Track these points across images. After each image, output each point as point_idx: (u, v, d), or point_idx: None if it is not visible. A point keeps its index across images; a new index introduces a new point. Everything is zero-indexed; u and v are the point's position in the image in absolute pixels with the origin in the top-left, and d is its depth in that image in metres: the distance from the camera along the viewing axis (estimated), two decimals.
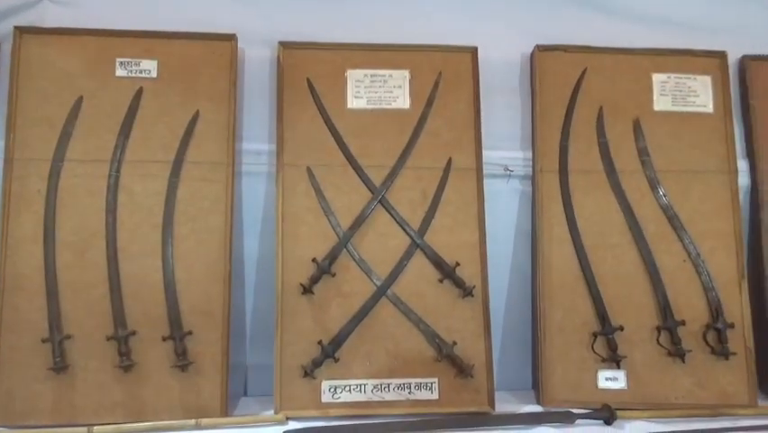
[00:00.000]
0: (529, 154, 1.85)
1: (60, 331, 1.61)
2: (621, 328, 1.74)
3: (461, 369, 1.67)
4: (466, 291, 1.71)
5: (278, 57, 1.80)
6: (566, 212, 1.80)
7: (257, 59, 1.84)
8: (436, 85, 1.83)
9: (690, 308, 1.76)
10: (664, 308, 1.75)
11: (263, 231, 1.81)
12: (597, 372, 1.73)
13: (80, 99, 1.72)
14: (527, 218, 1.86)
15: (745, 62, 1.93)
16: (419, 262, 1.73)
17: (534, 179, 1.83)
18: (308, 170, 1.75)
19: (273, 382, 1.64)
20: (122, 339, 1.61)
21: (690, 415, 1.66)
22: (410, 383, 1.67)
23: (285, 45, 1.81)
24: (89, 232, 1.66)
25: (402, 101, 1.82)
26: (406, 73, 1.83)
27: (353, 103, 1.81)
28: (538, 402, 1.73)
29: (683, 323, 1.74)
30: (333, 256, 1.70)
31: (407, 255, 1.73)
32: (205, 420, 1.57)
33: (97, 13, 1.80)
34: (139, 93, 1.74)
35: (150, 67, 1.75)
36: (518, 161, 1.85)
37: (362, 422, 1.58)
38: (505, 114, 1.89)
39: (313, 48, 1.82)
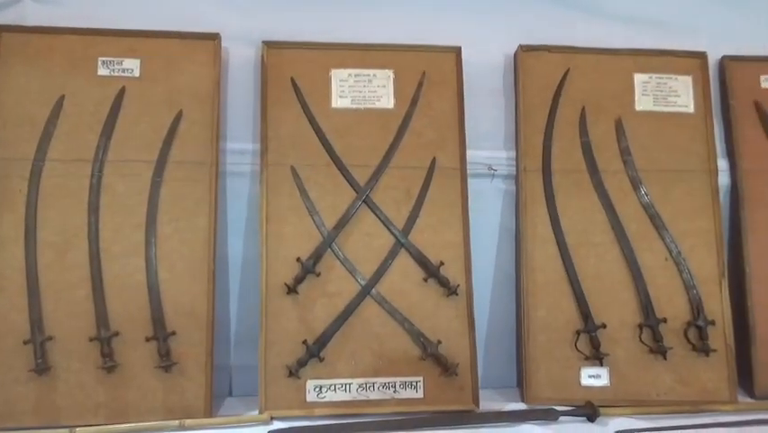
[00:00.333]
0: (513, 154, 1.86)
1: (42, 332, 1.59)
2: (604, 326, 1.75)
3: (445, 368, 1.68)
4: (450, 290, 1.71)
5: (263, 56, 1.80)
6: (549, 211, 1.81)
7: (241, 59, 1.84)
8: (420, 84, 1.83)
9: (672, 305, 1.78)
10: (646, 306, 1.77)
11: (247, 231, 1.80)
12: (580, 369, 1.75)
13: (62, 98, 1.70)
14: (511, 217, 1.87)
15: (725, 63, 1.96)
16: (404, 262, 1.74)
17: (517, 178, 1.84)
18: (292, 169, 1.75)
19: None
20: (104, 340, 1.60)
21: (671, 411, 1.68)
22: (395, 382, 1.68)
23: (269, 44, 1.80)
24: (71, 232, 1.65)
25: (386, 101, 1.82)
26: (390, 73, 1.83)
27: (338, 102, 1.81)
28: (522, 400, 1.74)
29: (665, 320, 1.76)
30: (317, 256, 1.70)
31: (392, 255, 1.73)
32: (188, 421, 1.56)
33: (79, 12, 1.79)
34: (121, 92, 1.72)
35: (132, 66, 1.74)
36: (502, 161, 1.86)
37: (347, 421, 1.58)
38: (488, 113, 1.90)
39: (297, 47, 1.82)
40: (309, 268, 1.69)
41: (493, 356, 1.88)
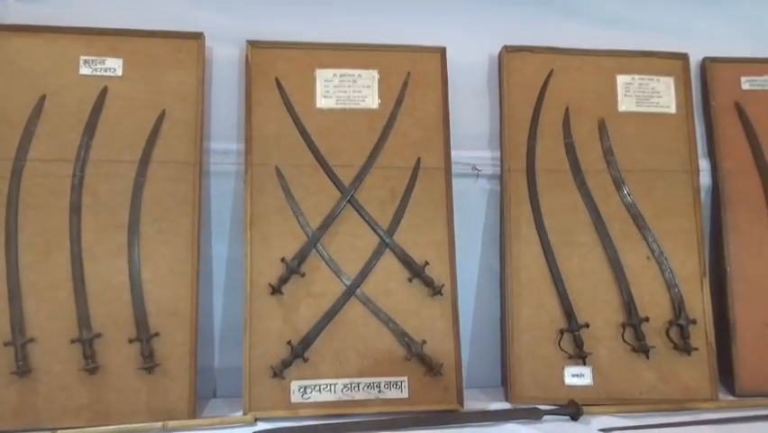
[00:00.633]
0: (497, 154, 1.87)
1: (23, 334, 1.58)
2: (587, 325, 1.77)
3: (430, 367, 1.68)
4: (435, 290, 1.72)
5: (247, 56, 1.79)
6: (533, 211, 1.82)
7: (225, 58, 1.83)
8: (405, 85, 1.83)
9: (654, 304, 1.80)
10: (629, 305, 1.78)
11: (231, 231, 1.79)
12: (563, 368, 1.76)
13: (43, 98, 1.69)
14: (495, 217, 1.88)
15: (707, 64, 1.98)
16: (388, 262, 1.74)
17: (501, 178, 1.85)
18: (277, 169, 1.75)
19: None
20: (86, 342, 1.59)
21: (654, 409, 1.69)
22: (380, 382, 1.68)
23: (253, 44, 1.80)
24: (53, 232, 1.63)
25: (371, 101, 1.82)
26: (374, 73, 1.83)
27: (322, 102, 1.81)
28: (507, 399, 1.75)
29: (647, 320, 1.78)
30: (302, 256, 1.70)
31: (377, 255, 1.73)
32: (172, 423, 1.55)
33: (61, 11, 1.77)
34: (104, 92, 1.71)
35: (115, 65, 1.73)
36: (486, 161, 1.87)
37: (332, 422, 1.58)
38: (473, 113, 1.91)
39: (281, 47, 1.81)
40: (294, 268, 1.68)
41: (478, 356, 1.88)
